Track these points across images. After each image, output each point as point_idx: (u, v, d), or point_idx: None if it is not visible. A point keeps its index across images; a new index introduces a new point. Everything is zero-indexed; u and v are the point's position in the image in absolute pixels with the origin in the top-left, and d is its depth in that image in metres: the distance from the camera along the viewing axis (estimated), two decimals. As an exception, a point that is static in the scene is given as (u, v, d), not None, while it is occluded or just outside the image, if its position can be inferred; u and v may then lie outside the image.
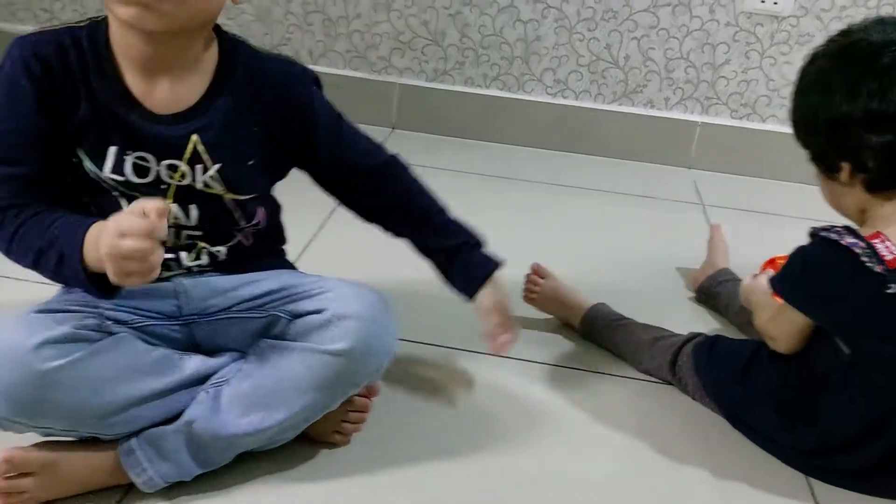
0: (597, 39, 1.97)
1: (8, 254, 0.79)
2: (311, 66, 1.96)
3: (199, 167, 0.83)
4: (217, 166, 0.83)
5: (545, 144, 2.06)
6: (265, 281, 0.88)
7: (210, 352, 0.89)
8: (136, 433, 0.81)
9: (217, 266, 0.89)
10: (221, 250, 0.89)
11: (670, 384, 1.13)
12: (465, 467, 0.94)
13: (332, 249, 1.35)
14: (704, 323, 1.30)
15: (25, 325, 0.75)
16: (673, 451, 1.01)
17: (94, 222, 0.73)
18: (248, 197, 0.87)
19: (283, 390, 0.82)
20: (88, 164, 0.81)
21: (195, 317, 0.88)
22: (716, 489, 0.96)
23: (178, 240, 0.86)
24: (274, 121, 0.87)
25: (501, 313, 0.98)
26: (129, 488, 0.82)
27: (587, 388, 1.12)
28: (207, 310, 0.88)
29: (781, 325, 0.95)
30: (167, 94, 0.81)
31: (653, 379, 1.15)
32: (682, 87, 2.00)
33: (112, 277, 0.69)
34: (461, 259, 0.99)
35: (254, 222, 0.90)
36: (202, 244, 0.88)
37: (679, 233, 1.67)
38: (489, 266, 1.00)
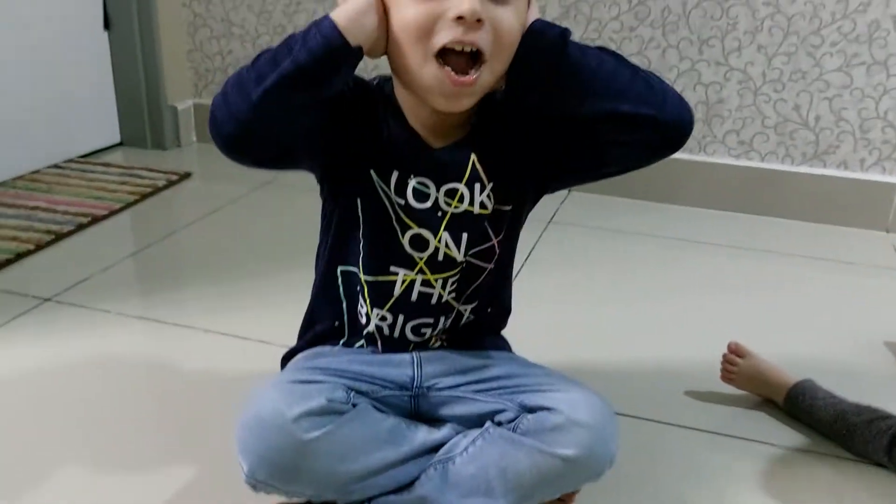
0: (784, 100, 1.92)
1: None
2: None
3: (477, 185, 0.87)
4: (492, 184, 0.87)
5: (730, 206, 2.02)
6: (496, 366, 0.91)
7: (430, 421, 0.93)
8: (369, 498, 0.86)
9: (453, 339, 0.94)
10: (467, 310, 0.93)
11: (885, 467, 1.06)
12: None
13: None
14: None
15: (286, 395, 0.79)
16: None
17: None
18: (510, 208, 0.89)
19: (507, 481, 0.83)
20: (379, 183, 0.86)
21: (425, 389, 0.92)
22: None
23: (440, 309, 0.91)
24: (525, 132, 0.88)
25: None
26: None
27: (792, 467, 1.07)
28: (437, 384, 0.92)
29: None
30: (447, 132, 0.85)
31: (863, 461, 1.08)
32: (880, 147, 1.90)
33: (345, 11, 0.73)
34: None
35: (501, 252, 0.92)
36: (457, 306, 0.92)
37: (882, 302, 1.57)
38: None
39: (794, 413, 1.16)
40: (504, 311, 1.01)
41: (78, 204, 1.85)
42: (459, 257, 0.89)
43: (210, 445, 1.03)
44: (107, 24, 2.22)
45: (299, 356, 0.94)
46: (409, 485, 0.87)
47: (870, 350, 1.36)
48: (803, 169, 1.96)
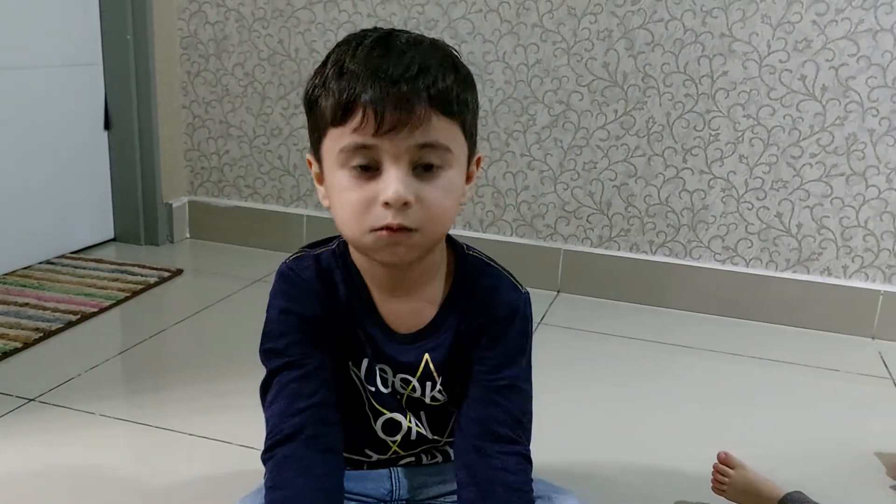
0: (766, 208, 1.97)
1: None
2: (480, 234, 2.09)
3: (428, 384, 0.88)
4: (441, 379, 0.88)
5: (716, 310, 2.04)
6: None
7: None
8: None
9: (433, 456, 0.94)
10: (441, 441, 0.94)
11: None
12: None
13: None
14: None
15: None
16: None
17: None
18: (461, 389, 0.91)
19: None
20: (354, 370, 0.88)
21: (404, 501, 0.93)
22: None
23: (414, 443, 0.92)
24: (479, 336, 0.87)
25: None
26: None
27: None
28: (417, 496, 0.92)
29: None
30: (407, 311, 0.87)
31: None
32: (862, 255, 1.94)
33: None
34: None
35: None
36: (434, 443, 0.93)
37: (870, 410, 1.57)
38: None
39: (785, 527, 1.15)
40: None
41: (68, 301, 1.85)
42: (429, 435, 0.92)
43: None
44: (107, 125, 2.28)
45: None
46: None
47: (858, 460, 1.35)
48: (787, 275, 2.00)
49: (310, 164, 0.83)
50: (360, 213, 0.76)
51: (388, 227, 0.75)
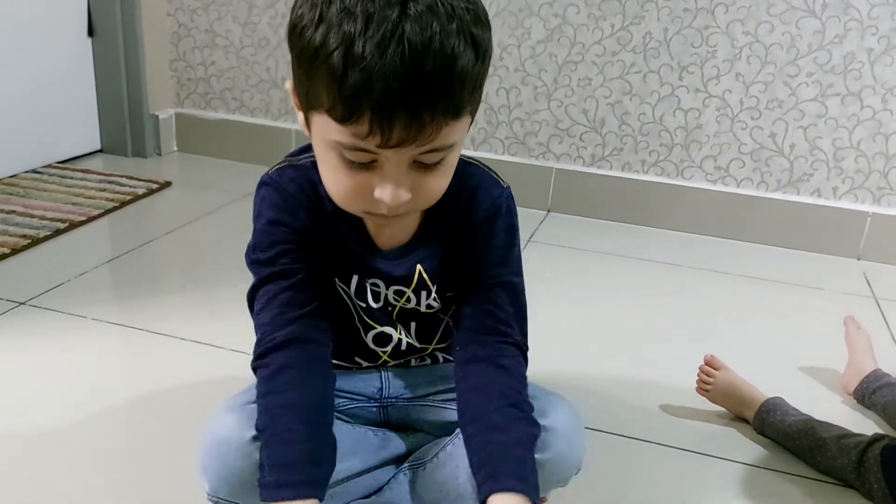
0: (760, 128, 1.96)
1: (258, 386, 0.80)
2: (472, 152, 2.05)
3: (423, 293, 0.87)
4: (436, 287, 0.87)
5: (705, 230, 2.05)
6: None
7: (400, 428, 0.94)
8: (339, 505, 0.86)
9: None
10: (429, 348, 0.94)
11: (852, 487, 1.08)
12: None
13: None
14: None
15: (245, 416, 0.78)
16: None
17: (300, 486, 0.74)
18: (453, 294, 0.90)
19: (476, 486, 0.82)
20: (342, 286, 0.87)
21: (393, 400, 0.94)
22: None
23: (404, 352, 0.92)
24: (466, 238, 0.86)
25: None
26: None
27: (760, 487, 1.09)
28: (405, 394, 0.93)
29: None
30: (394, 231, 0.85)
31: (831, 480, 1.10)
32: (852, 176, 1.94)
33: None
34: (519, 445, 0.78)
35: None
36: (422, 351, 0.94)
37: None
38: (535, 487, 0.77)
39: (764, 430, 1.18)
40: None
41: (55, 209, 1.83)
42: (417, 344, 0.91)
43: (179, 453, 1.02)
44: (91, 31, 2.22)
45: None
46: (378, 490, 0.88)
47: (837, 377, 1.38)
48: (777, 195, 2.00)
49: (292, 93, 0.73)
50: (352, 196, 0.72)
51: (382, 215, 0.73)
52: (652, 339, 1.49)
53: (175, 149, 2.41)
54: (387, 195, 0.69)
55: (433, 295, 0.88)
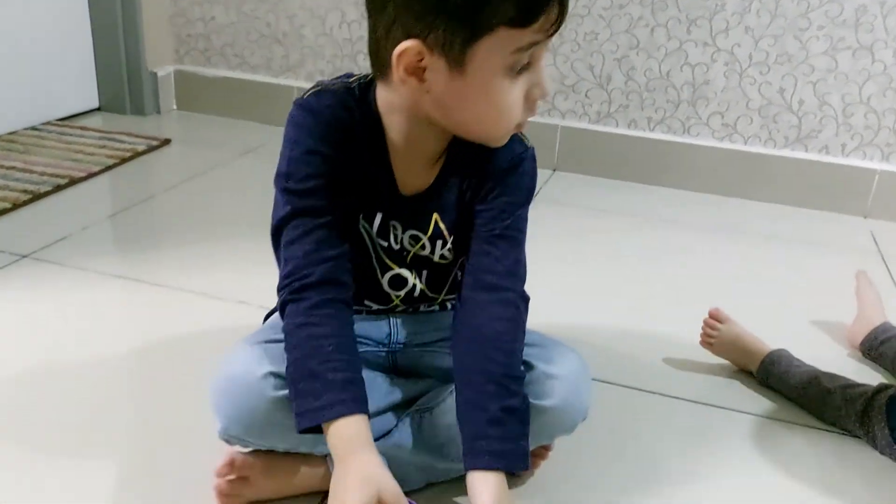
0: (769, 83, 1.93)
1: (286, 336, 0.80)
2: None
3: (439, 242, 0.87)
4: (452, 238, 0.87)
5: (712, 189, 2.03)
6: None
7: (408, 374, 0.94)
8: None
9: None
10: (438, 297, 0.94)
11: (856, 437, 1.08)
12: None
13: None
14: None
15: (256, 355, 0.80)
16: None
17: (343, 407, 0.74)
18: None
19: None
20: (364, 224, 0.86)
21: (401, 345, 0.94)
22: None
23: (415, 299, 0.92)
24: (481, 186, 0.86)
25: None
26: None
27: (765, 437, 1.09)
28: (413, 340, 0.93)
29: None
30: (417, 169, 0.84)
31: (835, 430, 1.10)
32: (861, 132, 1.92)
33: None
34: (496, 425, 0.78)
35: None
36: (432, 299, 0.94)
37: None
38: (516, 456, 0.79)
39: (768, 381, 1.18)
40: None
41: (55, 165, 1.82)
42: (428, 292, 0.92)
43: (185, 401, 1.02)
44: (88, -15, 2.18)
45: (276, 315, 0.94)
46: (386, 433, 0.88)
47: (841, 332, 1.37)
48: (785, 153, 1.98)
49: (409, 55, 0.72)
50: (518, 106, 0.76)
51: (520, 125, 0.78)
52: (656, 296, 1.48)
53: (174, 107, 2.39)
54: (548, 83, 0.76)
55: (448, 246, 0.88)
